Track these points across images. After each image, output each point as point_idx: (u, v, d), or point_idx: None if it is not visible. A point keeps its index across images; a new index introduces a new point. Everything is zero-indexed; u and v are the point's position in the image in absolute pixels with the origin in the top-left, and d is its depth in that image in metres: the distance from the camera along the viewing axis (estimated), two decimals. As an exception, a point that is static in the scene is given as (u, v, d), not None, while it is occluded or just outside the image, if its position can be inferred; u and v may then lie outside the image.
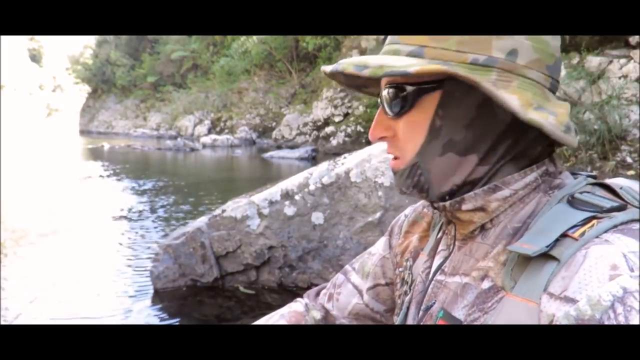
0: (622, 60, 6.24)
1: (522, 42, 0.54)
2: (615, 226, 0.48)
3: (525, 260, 0.50)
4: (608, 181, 0.58)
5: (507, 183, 0.57)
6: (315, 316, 0.84)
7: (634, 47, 6.35)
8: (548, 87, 0.56)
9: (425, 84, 0.56)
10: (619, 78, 6.05)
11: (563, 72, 6.44)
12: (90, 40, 41.82)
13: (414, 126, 0.58)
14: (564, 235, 0.49)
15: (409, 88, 0.57)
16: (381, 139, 0.62)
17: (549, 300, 0.46)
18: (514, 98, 0.51)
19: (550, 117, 0.52)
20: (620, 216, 0.49)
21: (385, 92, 0.59)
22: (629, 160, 4.85)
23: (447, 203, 0.59)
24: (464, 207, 0.58)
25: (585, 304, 0.42)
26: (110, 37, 35.77)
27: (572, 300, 0.44)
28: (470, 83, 0.51)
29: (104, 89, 37.48)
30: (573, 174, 0.61)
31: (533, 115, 0.51)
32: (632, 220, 0.49)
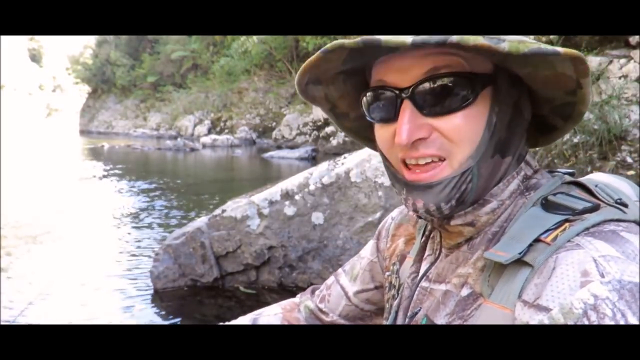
0: (622, 60, 6.24)
1: None
2: (587, 229, 0.47)
3: (502, 267, 0.50)
4: (584, 179, 0.57)
5: (494, 195, 0.56)
6: (308, 305, 0.86)
7: (634, 47, 6.35)
8: None
9: (481, 76, 0.52)
10: (619, 78, 6.05)
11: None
12: (90, 40, 41.83)
13: (474, 122, 0.52)
14: (537, 240, 0.48)
15: (470, 79, 0.52)
16: (417, 141, 0.53)
17: (523, 308, 0.46)
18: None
19: None
20: (592, 218, 0.48)
21: (431, 83, 0.51)
22: (629, 160, 4.85)
23: (435, 218, 0.57)
24: (452, 222, 0.57)
25: (558, 312, 0.42)
26: (110, 37, 35.76)
27: (546, 309, 0.43)
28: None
29: (104, 89, 37.48)
30: (550, 172, 0.60)
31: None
32: (605, 221, 0.48)
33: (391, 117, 0.55)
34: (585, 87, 0.51)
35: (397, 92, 0.53)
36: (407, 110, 0.52)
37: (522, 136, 0.57)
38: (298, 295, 0.91)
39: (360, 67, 0.57)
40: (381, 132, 0.57)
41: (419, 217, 0.60)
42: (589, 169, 4.83)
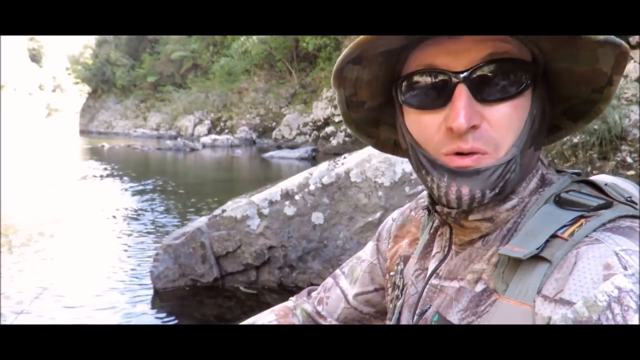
0: (622, 60, 6.23)
1: None
2: (604, 224, 0.48)
3: (516, 263, 0.50)
4: (593, 178, 0.58)
5: (516, 192, 0.56)
6: (306, 308, 0.84)
7: (634, 47, 6.35)
8: None
9: (532, 65, 0.53)
10: (619, 78, 6.05)
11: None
12: (90, 40, 41.90)
13: (520, 111, 0.52)
14: (553, 236, 0.49)
15: (527, 66, 0.52)
16: (470, 129, 0.51)
17: (544, 303, 0.46)
18: None
19: None
20: (607, 214, 0.49)
21: (491, 67, 0.51)
22: (629, 160, 4.85)
23: (454, 211, 0.56)
24: (471, 217, 0.56)
25: (582, 305, 0.42)
26: (110, 37, 35.79)
27: (569, 303, 0.43)
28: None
29: (104, 89, 37.51)
30: (557, 172, 0.61)
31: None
32: (619, 217, 0.49)
33: (439, 102, 0.52)
34: (616, 84, 0.52)
35: (451, 75, 0.51)
36: (464, 94, 0.50)
37: (545, 133, 0.58)
38: (292, 298, 0.89)
39: (404, 47, 0.55)
40: (422, 119, 0.54)
41: (450, 207, 0.56)
42: (589, 169, 4.83)
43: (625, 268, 0.42)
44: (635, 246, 0.44)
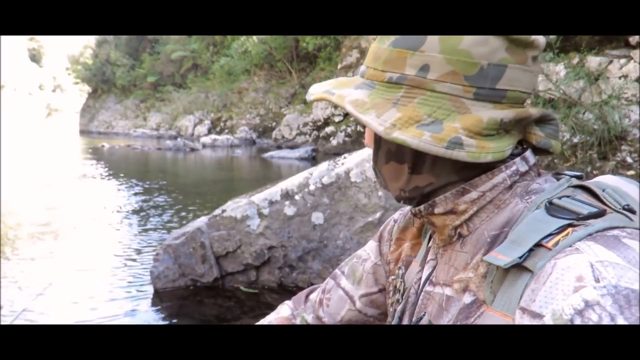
0: (622, 60, 6.24)
1: (434, 57, 0.53)
2: (590, 234, 0.46)
3: (504, 273, 0.49)
4: (592, 182, 0.56)
5: (475, 185, 0.56)
6: (306, 319, 0.84)
7: (634, 47, 6.36)
8: (471, 98, 0.53)
9: None
10: (619, 78, 6.06)
11: (563, 72, 6.44)
12: (90, 40, 41.92)
13: (369, 137, 0.66)
14: (538, 244, 0.47)
15: None
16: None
17: (522, 315, 0.45)
18: (393, 117, 0.53)
19: (426, 134, 0.51)
20: (597, 224, 0.47)
21: None
22: (629, 160, 4.85)
23: (422, 207, 0.60)
24: (437, 210, 0.59)
25: (550, 318, 0.41)
26: (110, 37, 35.79)
27: (539, 315, 0.42)
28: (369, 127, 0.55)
29: (104, 89, 37.50)
30: (557, 174, 0.59)
31: (396, 135, 0.52)
32: (609, 228, 0.46)
33: None
34: None
35: None
36: None
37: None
38: (288, 303, 0.89)
39: None
40: None
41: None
42: (588, 169, 4.83)
43: (597, 280, 0.41)
44: (615, 257, 0.42)
